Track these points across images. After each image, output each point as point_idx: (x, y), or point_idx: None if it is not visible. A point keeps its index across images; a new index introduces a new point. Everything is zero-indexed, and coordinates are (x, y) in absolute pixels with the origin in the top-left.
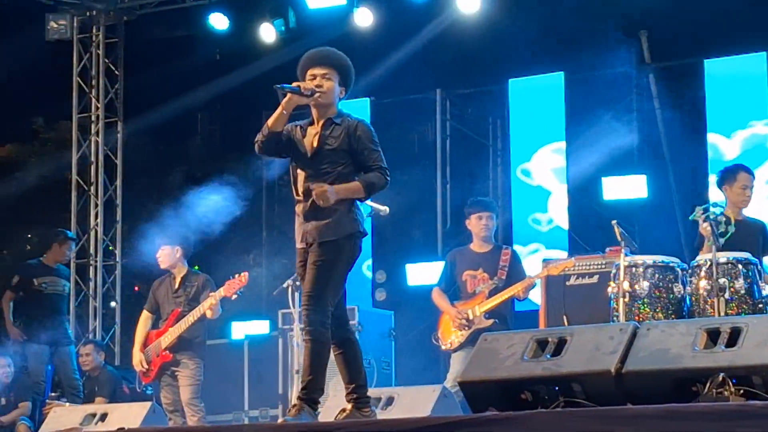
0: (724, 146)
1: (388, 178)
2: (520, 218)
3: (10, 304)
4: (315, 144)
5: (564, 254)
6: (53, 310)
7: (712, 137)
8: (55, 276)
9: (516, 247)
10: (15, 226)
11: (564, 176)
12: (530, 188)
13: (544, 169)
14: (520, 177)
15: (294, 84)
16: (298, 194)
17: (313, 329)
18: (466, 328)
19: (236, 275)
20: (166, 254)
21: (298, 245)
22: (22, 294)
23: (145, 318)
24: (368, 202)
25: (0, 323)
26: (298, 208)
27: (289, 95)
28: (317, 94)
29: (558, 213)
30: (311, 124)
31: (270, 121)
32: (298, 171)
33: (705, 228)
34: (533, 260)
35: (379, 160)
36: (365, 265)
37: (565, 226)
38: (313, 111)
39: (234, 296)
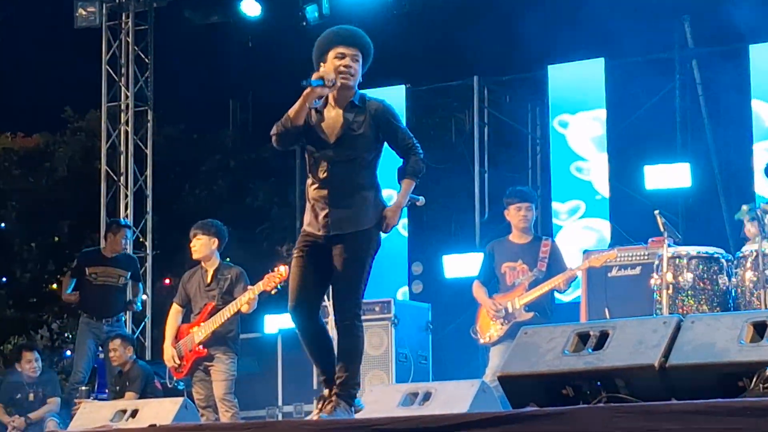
0: None
1: (424, 160)
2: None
3: (71, 281)
4: (338, 129)
5: (606, 224)
6: (103, 302)
7: (757, 126)
8: (110, 266)
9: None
10: (44, 217)
11: (605, 165)
12: (570, 177)
13: (585, 155)
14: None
15: (315, 76)
16: (316, 180)
17: (350, 323)
18: (505, 321)
19: (275, 268)
20: (203, 244)
21: (314, 231)
22: (76, 281)
23: (175, 312)
24: None
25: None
26: (316, 194)
27: (310, 89)
28: (339, 83)
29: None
30: (325, 105)
31: (291, 113)
32: (318, 156)
33: (749, 230)
34: (574, 227)
35: (409, 139)
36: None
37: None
38: (331, 94)
39: (274, 291)
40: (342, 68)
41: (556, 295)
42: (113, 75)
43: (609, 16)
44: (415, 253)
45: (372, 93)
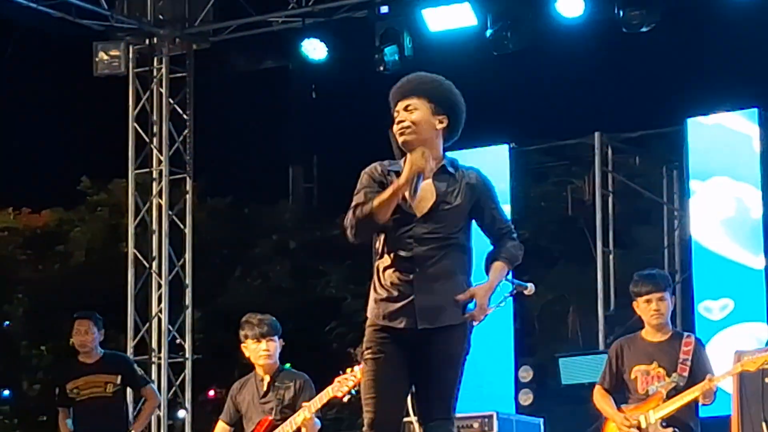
0: None
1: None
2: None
3: (67, 416)
4: (429, 200)
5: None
6: (95, 424)
7: None
8: (91, 374)
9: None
10: (57, 313)
11: (761, 243)
12: (716, 257)
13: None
14: (702, 243)
15: (416, 169)
16: (395, 261)
17: None
18: None
19: (348, 369)
20: (275, 348)
21: (392, 324)
22: (66, 409)
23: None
24: (507, 279)
25: None
26: (395, 278)
27: (405, 172)
28: (404, 125)
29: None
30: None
31: (376, 205)
32: (399, 232)
33: None
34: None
35: (507, 223)
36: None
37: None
38: (408, 156)
39: (346, 398)
40: (396, 127)
41: (702, 405)
42: (143, 135)
43: (762, 60)
44: (524, 355)
45: (467, 154)
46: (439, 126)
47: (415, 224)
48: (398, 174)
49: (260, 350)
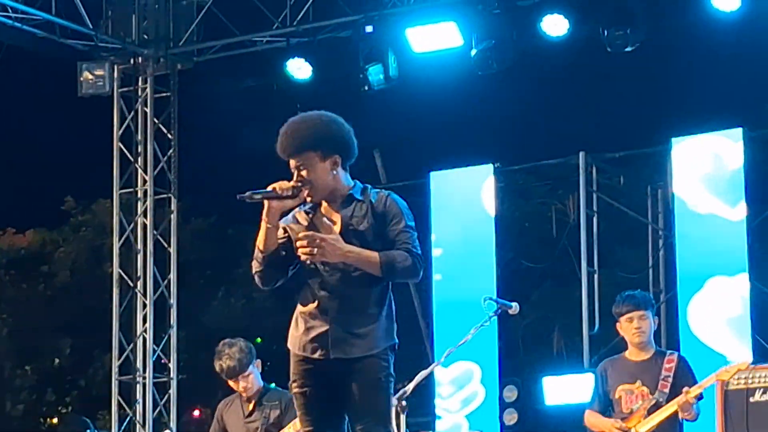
0: None
1: (420, 267)
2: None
3: None
4: (336, 228)
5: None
6: None
7: None
8: None
9: None
10: (41, 334)
11: (743, 261)
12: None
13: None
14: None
15: (269, 187)
16: (309, 291)
17: None
18: None
19: None
20: (252, 380)
21: (308, 354)
22: None
23: None
24: (492, 299)
25: None
26: (309, 308)
27: (266, 203)
28: (304, 192)
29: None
30: (319, 205)
31: (259, 243)
32: (310, 265)
33: None
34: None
35: (410, 242)
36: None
37: (747, 326)
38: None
39: None
40: (297, 185)
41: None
42: (127, 154)
43: (747, 79)
44: (508, 375)
45: (452, 173)
46: (336, 167)
47: None
48: (306, 212)
49: (239, 388)
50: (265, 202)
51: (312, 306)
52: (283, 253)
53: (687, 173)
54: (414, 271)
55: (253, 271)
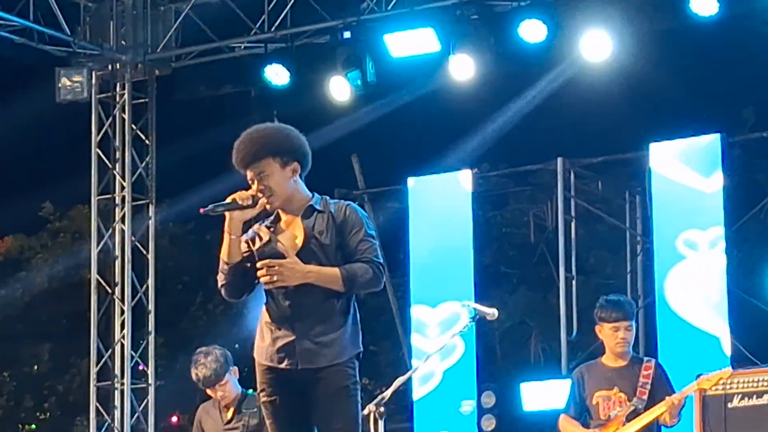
0: None
1: (381, 276)
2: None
3: None
4: (299, 241)
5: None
6: None
7: None
8: None
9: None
10: (20, 339)
11: (721, 266)
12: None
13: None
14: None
15: (229, 198)
16: (275, 301)
17: None
18: None
19: None
20: (229, 388)
21: (275, 365)
22: None
23: None
24: (471, 303)
25: None
26: (275, 317)
27: (228, 214)
28: (263, 200)
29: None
30: (279, 219)
31: (223, 255)
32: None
33: None
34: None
35: (370, 252)
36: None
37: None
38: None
39: None
40: (257, 194)
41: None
42: (105, 160)
43: (725, 86)
44: (486, 381)
45: (430, 180)
46: (294, 175)
47: None
48: (267, 226)
49: (216, 396)
50: (227, 213)
51: (277, 316)
52: (248, 264)
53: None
54: (376, 282)
55: (219, 284)
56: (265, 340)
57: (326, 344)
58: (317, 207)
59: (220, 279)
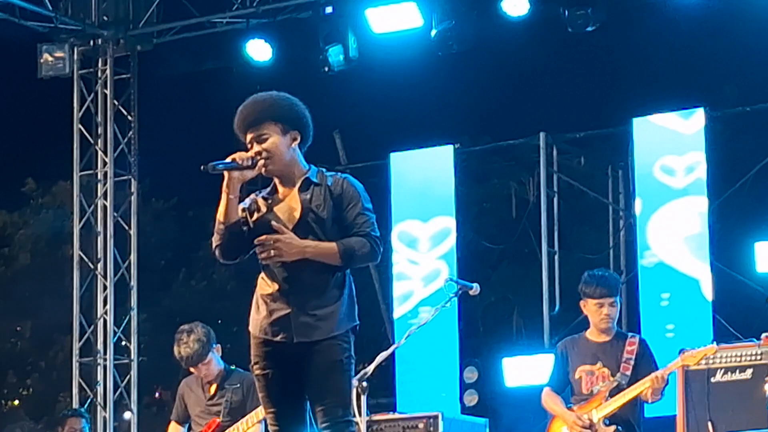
0: None
1: (378, 250)
2: (649, 298)
3: None
4: (296, 212)
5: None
6: None
7: None
8: None
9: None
10: (2, 316)
11: (706, 243)
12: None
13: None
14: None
15: (229, 158)
16: (271, 274)
17: None
18: None
19: None
20: (213, 365)
21: (269, 337)
22: None
23: None
24: (453, 280)
25: None
26: (270, 291)
27: (227, 174)
28: (261, 162)
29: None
30: (276, 191)
31: (219, 215)
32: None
33: None
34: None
35: (367, 226)
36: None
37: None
38: (274, 178)
39: None
40: (256, 155)
41: (647, 406)
42: (87, 136)
43: (709, 58)
44: (468, 356)
45: (412, 155)
46: (294, 143)
47: None
48: (264, 198)
49: (200, 374)
50: (225, 173)
51: (273, 289)
52: (244, 228)
53: (647, 153)
54: (373, 256)
55: (213, 246)
56: (261, 312)
57: (322, 318)
58: (314, 179)
59: (215, 240)
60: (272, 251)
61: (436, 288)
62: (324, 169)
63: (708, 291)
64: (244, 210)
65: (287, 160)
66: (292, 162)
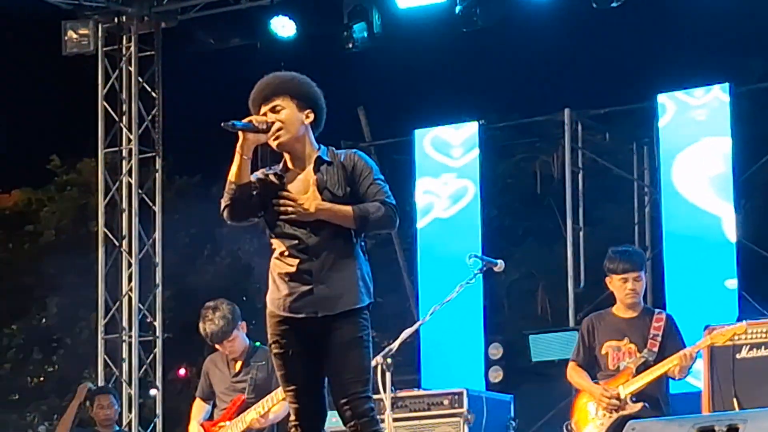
0: None
1: (395, 217)
2: (674, 274)
3: None
4: (311, 193)
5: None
6: None
7: None
8: None
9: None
10: (28, 293)
11: (731, 217)
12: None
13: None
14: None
15: (245, 119)
16: (289, 252)
17: (373, 422)
18: (615, 411)
19: None
20: (238, 342)
21: (291, 314)
22: None
23: (198, 409)
24: (477, 256)
25: None
26: (290, 268)
27: (242, 135)
28: (276, 126)
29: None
30: (287, 170)
31: (231, 175)
32: (286, 229)
33: None
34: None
35: (381, 194)
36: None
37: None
38: (285, 156)
39: None
40: (268, 121)
41: (672, 382)
42: (112, 113)
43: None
44: (493, 333)
45: (437, 131)
46: (307, 121)
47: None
48: (276, 175)
49: (224, 351)
50: (240, 134)
51: (291, 267)
52: (254, 192)
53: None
54: (389, 221)
55: (223, 205)
56: (281, 291)
57: (343, 291)
58: (326, 158)
59: (225, 200)
60: (291, 207)
61: None
62: (333, 147)
63: (729, 229)
64: (257, 180)
65: (299, 135)
66: (304, 139)
